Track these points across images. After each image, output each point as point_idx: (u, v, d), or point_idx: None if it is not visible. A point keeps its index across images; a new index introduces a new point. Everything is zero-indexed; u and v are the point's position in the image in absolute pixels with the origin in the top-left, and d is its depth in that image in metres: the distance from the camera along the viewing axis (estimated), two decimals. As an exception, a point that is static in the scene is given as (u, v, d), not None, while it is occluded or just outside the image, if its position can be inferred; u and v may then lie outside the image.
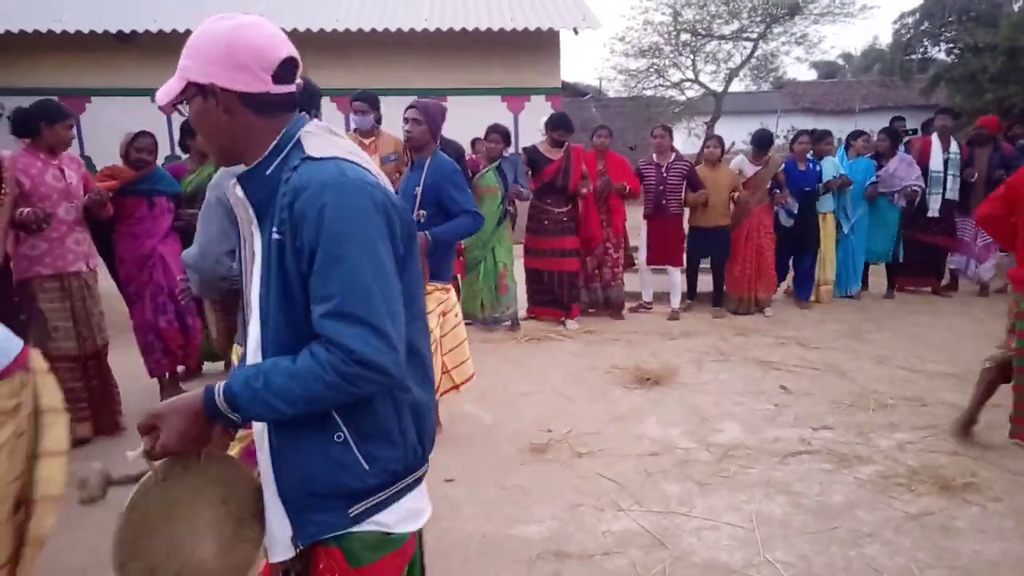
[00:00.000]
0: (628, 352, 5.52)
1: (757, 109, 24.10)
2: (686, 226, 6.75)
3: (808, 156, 6.72)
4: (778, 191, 6.52)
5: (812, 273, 6.94)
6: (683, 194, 6.45)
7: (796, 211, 6.63)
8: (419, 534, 1.49)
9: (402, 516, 1.33)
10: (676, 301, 6.70)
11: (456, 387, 3.88)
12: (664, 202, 6.42)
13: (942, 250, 7.29)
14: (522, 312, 6.38)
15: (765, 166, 6.54)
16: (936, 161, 7.02)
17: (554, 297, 6.31)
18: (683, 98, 19.15)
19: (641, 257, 6.77)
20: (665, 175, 6.42)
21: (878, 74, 27.19)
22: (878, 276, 7.47)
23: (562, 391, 4.68)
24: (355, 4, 10.85)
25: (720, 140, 6.89)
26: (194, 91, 1.25)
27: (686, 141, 16.93)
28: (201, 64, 1.24)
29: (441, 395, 3.81)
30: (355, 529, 1.28)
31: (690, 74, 18.75)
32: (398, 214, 1.26)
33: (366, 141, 5.39)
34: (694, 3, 17.63)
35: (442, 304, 3.74)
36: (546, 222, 6.16)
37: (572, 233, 6.21)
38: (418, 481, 1.38)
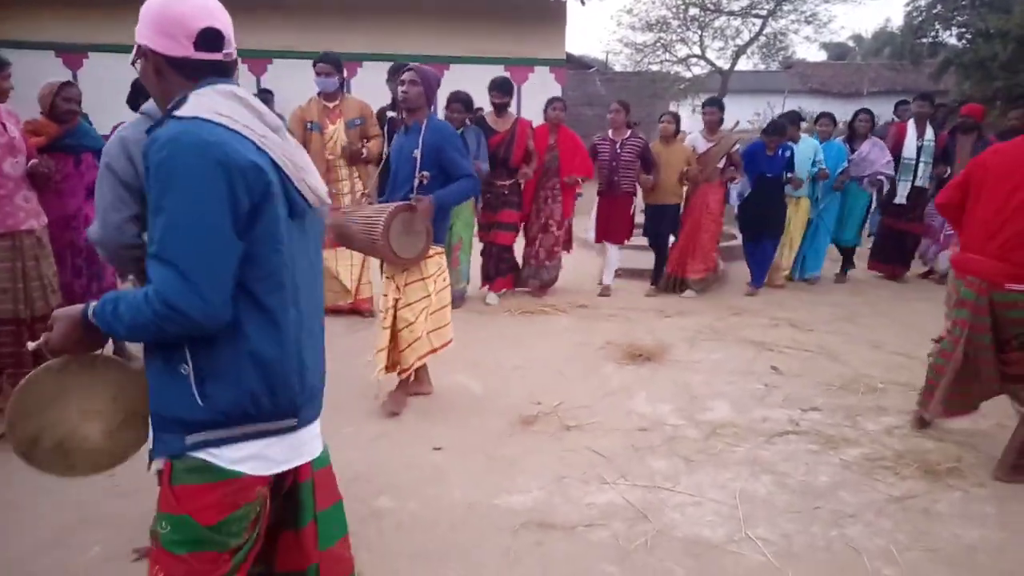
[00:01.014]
0: (623, 328, 5.52)
1: (764, 88, 23.82)
2: (640, 204, 6.69)
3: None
4: (732, 168, 6.42)
5: (769, 260, 6.77)
6: (637, 172, 6.35)
7: (745, 193, 6.52)
8: (300, 484, 1.57)
9: (241, 457, 1.42)
10: (608, 277, 6.66)
11: (434, 350, 3.89)
12: (616, 178, 6.34)
13: (914, 236, 7.28)
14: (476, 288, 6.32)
15: (717, 143, 6.44)
16: (909, 148, 6.96)
17: (486, 270, 6.27)
18: (689, 74, 18.94)
19: (590, 236, 6.74)
20: (619, 151, 6.32)
21: (888, 57, 26.90)
22: (859, 259, 7.50)
23: (554, 365, 4.69)
24: (360, -33, 10.65)
25: (675, 116, 6.64)
26: (141, 52, 1.45)
27: (691, 118, 16.76)
28: (142, 27, 1.44)
29: (421, 359, 3.82)
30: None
31: (697, 50, 18.54)
32: (245, 175, 1.33)
33: (330, 105, 5.34)
34: (704, -23, 17.36)
35: (440, 268, 3.79)
36: (489, 196, 6.06)
37: (513, 207, 6.14)
38: (273, 434, 1.45)
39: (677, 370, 4.64)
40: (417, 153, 3.61)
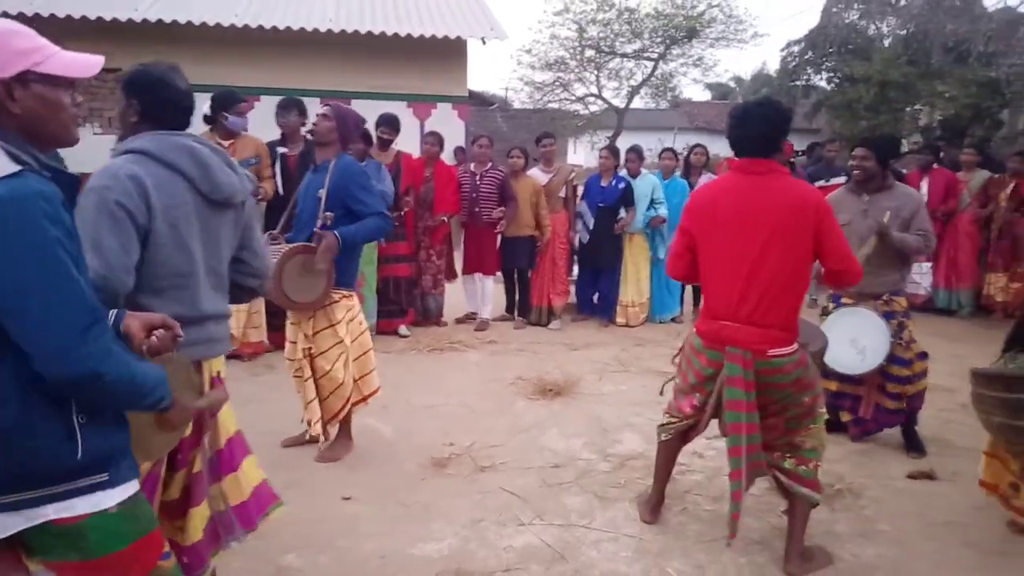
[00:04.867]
0: (532, 363, 5.55)
1: (656, 126, 24.99)
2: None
3: (621, 173, 6.79)
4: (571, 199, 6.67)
5: (612, 292, 6.87)
6: (496, 203, 6.44)
7: (591, 226, 6.69)
8: None
9: None
10: (486, 312, 6.72)
11: (364, 399, 3.77)
12: (477, 210, 6.46)
13: None
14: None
15: (556, 174, 6.72)
16: None
17: (392, 305, 6.22)
18: (587, 112, 19.63)
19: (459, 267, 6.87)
20: (479, 183, 6.47)
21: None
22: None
23: (466, 403, 4.64)
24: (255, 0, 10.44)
25: (523, 150, 6.72)
26: None
27: (589, 155, 17.33)
28: None
29: (347, 405, 3.67)
30: None
31: (594, 89, 19.25)
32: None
33: (225, 143, 5.22)
34: (598, 21, 18.14)
35: (349, 311, 3.63)
36: None
37: (402, 239, 6.19)
38: None
39: (587, 403, 4.70)
40: (322, 193, 3.49)
